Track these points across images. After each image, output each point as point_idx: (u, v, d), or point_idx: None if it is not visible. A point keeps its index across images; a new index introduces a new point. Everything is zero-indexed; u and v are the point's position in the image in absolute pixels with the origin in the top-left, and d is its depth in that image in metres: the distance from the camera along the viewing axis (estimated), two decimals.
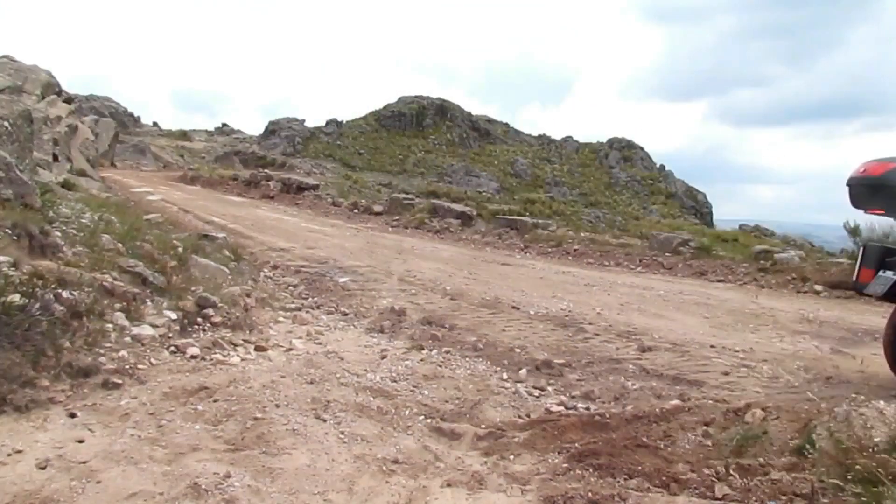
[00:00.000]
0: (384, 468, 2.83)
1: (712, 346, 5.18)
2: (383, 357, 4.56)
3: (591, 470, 2.82)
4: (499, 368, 4.48)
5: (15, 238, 4.27)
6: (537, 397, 4.00)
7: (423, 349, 4.81)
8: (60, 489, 2.41)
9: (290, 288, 6.84)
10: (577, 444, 3.08)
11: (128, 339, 3.94)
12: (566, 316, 6.14)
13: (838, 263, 8.71)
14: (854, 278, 4.15)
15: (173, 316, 4.41)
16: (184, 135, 38.59)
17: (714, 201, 38.84)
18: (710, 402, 3.67)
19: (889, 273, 3.85)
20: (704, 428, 3.19)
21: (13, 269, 3.81)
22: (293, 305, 6.00)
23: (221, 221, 11.64)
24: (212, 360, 4.02)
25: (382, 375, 4.10)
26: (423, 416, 3.49)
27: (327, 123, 37.71)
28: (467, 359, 4.67)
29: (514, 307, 6.36)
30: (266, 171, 21.79)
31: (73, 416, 3.02)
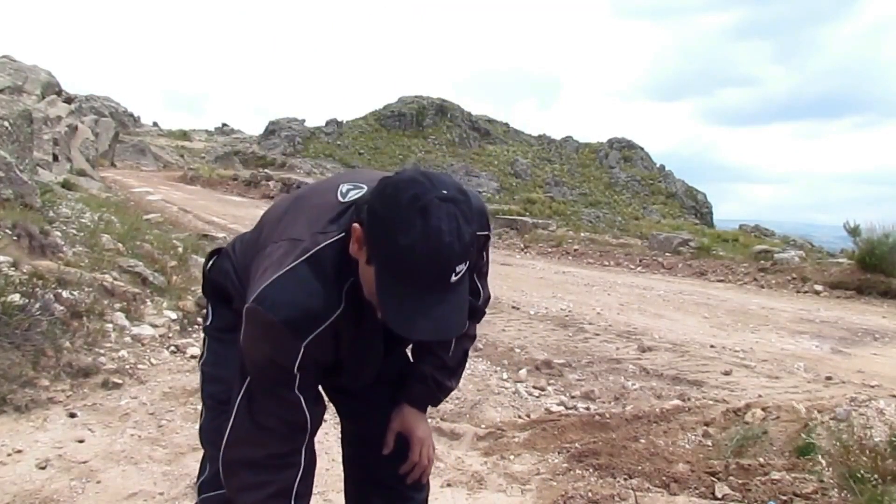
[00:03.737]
0: None
1: (712, 346, 5.18)
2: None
3: (591, 470, 2.82)
4: (499, 368, 4.48)
5: (15, 238, 4.27)
6: (537, 397, 4.00)
7: None
8: (60, 489, 2.41)
9: None
10: (577, 444, 3.08)
11: (128, 339, 3.94)
12: (566, 316, 6.14)
13: (838, 263, 8.71)
14: None
15: (173, 316, 4.42)
16: (184, 135, 38.61)
17: (712, 201, 38.83)
18: (710, 402, 3.67)
19: None
20: (704, 428, 3.19)
21: (13, 269, 3.81)
22: None
23: (222, 221, 11.64)
24: None
25: None
26: None
27: (327, 123, 37.71)
28: (467, 359, 4.67)
29: (514, 307, 6.37)
30: (266, 171, 21.80)
31: (73, 416, 3.02)
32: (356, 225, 1.12)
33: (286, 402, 1.21)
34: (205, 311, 1.50)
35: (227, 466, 1.25)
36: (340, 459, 2.70)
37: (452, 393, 3.91)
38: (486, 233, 1.35)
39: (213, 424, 1.42)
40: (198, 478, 1.48)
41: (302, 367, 1.18)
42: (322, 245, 1.19)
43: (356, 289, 1.19)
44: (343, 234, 1.19)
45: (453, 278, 1.06)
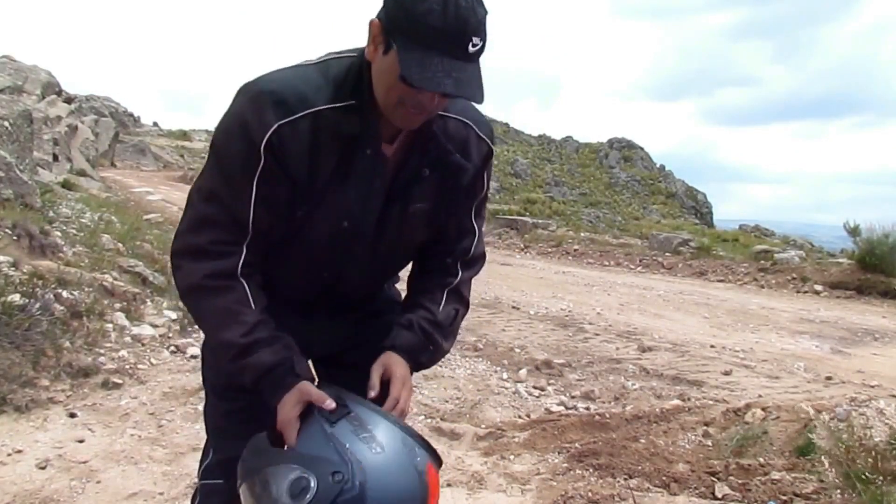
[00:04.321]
0: None
1: (712, 346, 5.19)
2: None
3: (591, 470, 2.82)
4: (499, 368, 4.48)
5: (15, 238, 4.27)
6: (537, 397, 4.00)
7: None
8: (60, 489, 2.41)
9: None
10: (577, 444, 3.08)
11: (128, 338, 3.94)
12: (566, 316, 6.14)
13: (838, 263, 8.72)
14: None
15: (173, 316, 4.42)
16: (184, 135, 38.60)
17: (712, 201, 38.88)
18: (710, 402, 3.67)
19: None
20: (704, 428, 3.19)
21: (13, 269, 3.81)
22: None
23: None
24: None
25: None
26: (423, 416, 3.49)
27: None
28: (467, 359, 4.67)
29: (514, 307, 6.37)
30: None
31: (73, 416, 3.02)
32: (373, 19, 1.12)
33: (237, 191, 1.16)
34: None
35: (173, 259, 1.22)
36: None
37: (452, 392, 3.90)
38: (489, 142, 1.32)
39: (212, 416, 1.43)
40: (200, 462, 1.47)
41: (269, 148, 1.12)
42: (334, 57, 1.20)
43: (349, 116, 1.17)
44: (357, 55, 1.18)
45: (471, 48, 1.06)
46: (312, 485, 1.03)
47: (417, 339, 1.34)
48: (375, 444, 1.09)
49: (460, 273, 1.40)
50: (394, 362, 1.32)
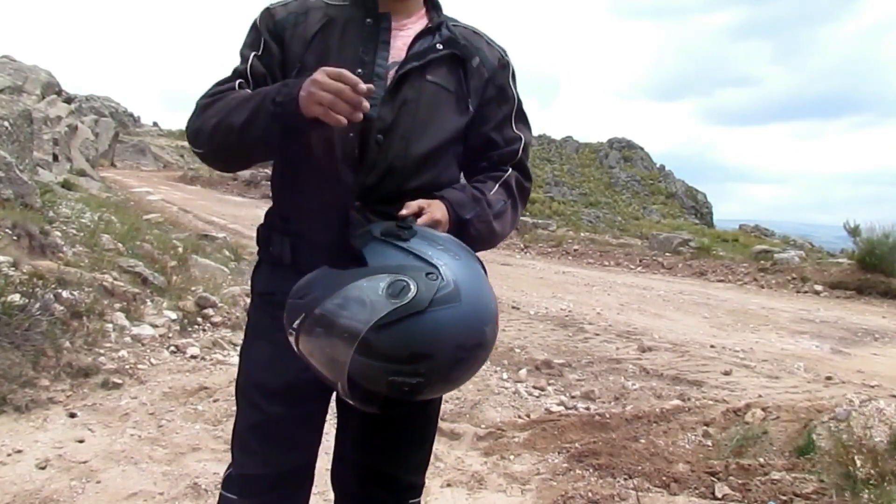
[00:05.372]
0: None
1: (712, 346, 5.19)
2: None
3: (591, 470, 2.82)
4: (499, 368, 4.48)
5: (15, 238, 4.27)
6: (537, 397, 4.00)
7: None
8: (60, 489, 2.41)
9: None
10: (577, 444, 3.08)
11: (128, 339, 3.94)
12: (566, 316, 6.14)
13: (838, 263, 8.72)
14: None
15: (173, 316, 4.41)
16: (184, 135, 38.59)
17: (712, 201, 38.90)
18: (710, 402, 3.67)
19: None
20: (704, 428, 3.19)
21: (13, 269, 3.81)
22: None
23: (222, 221, 11.64)
24: (212, 359, 4.02)
25: None
26: None
27: None
28: None
29: (514, 307, 6.37)
30: (266, 170, 21.76)
31: (73, 416, 3.02)
32: None
33: (244, 60, 1.32)
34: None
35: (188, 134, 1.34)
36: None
37: (452, 392, 3.89)
38: (502, 52, 1.42)
39: (238, 424, 1.39)
40: (226, 468, 1.45)
41: (263, 24, 1.32)
42: None
43: (342, 5, 1.33)
44: None
45: None
46: (411, 285, 1.03)
47: (465, 196, 1.30)
48: (452, 252, 1.11)
49: (510, 170, 1.40)
50: (433, 205, 1.26)
